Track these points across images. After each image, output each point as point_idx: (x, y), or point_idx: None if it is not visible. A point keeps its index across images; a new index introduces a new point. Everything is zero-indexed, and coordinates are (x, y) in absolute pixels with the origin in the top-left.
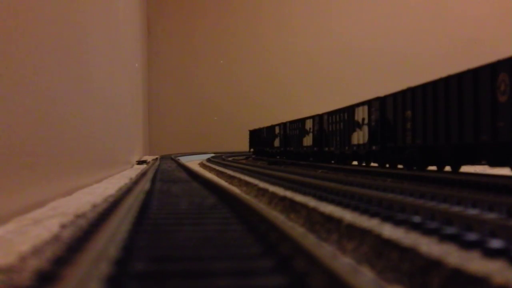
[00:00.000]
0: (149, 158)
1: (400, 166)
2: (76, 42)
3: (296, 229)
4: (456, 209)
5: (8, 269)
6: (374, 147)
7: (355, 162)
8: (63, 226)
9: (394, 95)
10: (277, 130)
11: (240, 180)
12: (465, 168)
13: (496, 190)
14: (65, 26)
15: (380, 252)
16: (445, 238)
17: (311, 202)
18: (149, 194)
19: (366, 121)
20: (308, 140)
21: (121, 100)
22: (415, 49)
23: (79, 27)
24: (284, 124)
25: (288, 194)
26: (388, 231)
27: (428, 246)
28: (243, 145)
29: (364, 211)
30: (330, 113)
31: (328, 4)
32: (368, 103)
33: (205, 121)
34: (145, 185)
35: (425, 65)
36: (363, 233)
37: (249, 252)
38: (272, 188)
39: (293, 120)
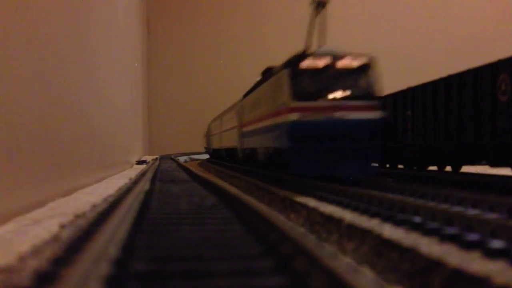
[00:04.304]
0: (149, 158)
1: (400, 166)
2: (77, 42)
3: (296, 229)
4: (457, 209)
5: (8, 269)
6: None
7: None
8: (63, 226)
9: (394, 95)
10: None
11: (240, 179)
12: (465, 168)
13: (497, 190)
14: (65, 27)
15: (380, 252)
16: (445, 238)
17: (311, 202)
18: (148, 194)
19: None
20: None
21: (121, 100)
22: (415, 49)
23: (80, 27)
24: None
25: (288, 194)
26: (389, 231)
27: (429, 246)
28: None
29: (365, 211)
30: None
31: (329, 4)
32: None
33: (205, 121)
34: (144, 185)
35: (425, 65)
36: (363, 233)
37: (249, 252)
38: (272, 188)
39: None
